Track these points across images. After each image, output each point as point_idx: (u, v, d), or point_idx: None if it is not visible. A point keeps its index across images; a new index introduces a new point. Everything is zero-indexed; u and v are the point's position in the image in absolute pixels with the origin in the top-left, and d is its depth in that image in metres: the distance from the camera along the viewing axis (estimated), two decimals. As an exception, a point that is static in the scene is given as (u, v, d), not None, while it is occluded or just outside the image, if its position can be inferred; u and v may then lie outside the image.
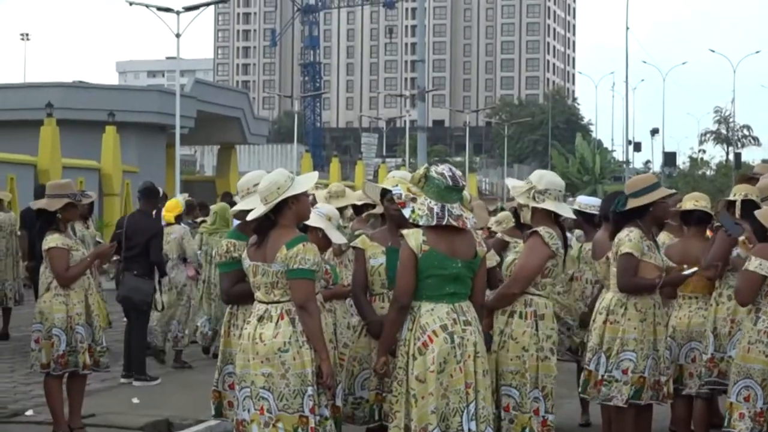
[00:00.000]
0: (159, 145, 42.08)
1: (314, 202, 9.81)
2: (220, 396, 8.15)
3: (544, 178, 7.98)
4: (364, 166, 64.64)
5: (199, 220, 16.73)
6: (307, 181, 7.13)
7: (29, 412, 10.89)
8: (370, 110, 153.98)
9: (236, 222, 8.51)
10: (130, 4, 40.90)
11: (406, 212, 7.12)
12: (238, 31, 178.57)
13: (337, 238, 8.43)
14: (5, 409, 11.09)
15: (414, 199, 7.18)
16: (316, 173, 7.84)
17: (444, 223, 6.89)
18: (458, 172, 7.13)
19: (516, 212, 9.93)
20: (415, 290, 6.90)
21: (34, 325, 9.63)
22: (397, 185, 7.74)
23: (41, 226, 9.70)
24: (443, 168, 7.11)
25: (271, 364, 6.76)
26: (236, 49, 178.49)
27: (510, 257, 8.28)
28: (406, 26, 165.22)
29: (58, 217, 9.56)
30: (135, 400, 11.60)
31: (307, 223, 7.63)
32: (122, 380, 12.88)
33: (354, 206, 11.62)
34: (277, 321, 6.81)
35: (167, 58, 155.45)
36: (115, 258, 13.37)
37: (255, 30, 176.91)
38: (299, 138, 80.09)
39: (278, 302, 6.85)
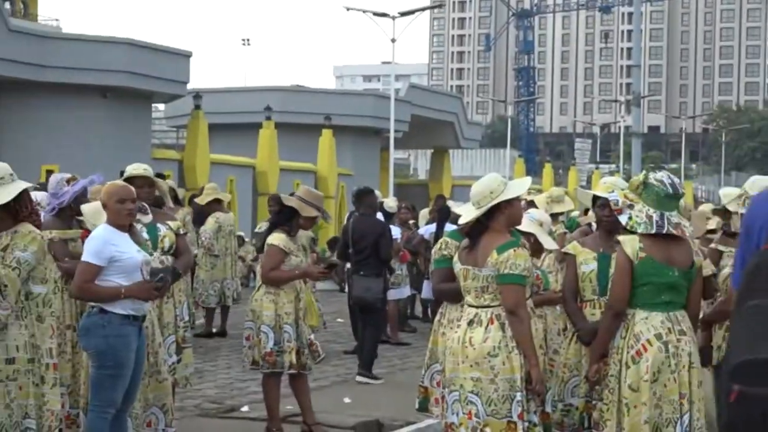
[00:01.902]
0: (374, 149, 42.52)
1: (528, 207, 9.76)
2: (426, 392, 8.23)
3: (757, 183, 7.77)
4: (578, 171, 64.13)
5: None
6: (520, 186, 7.10)
7: (245, 408, 11.15)
8: (584, 115, 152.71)
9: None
10: (348, 9, 41.54)
11: (623, 219, 7.03)
12: (452, 36, 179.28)
13: (549, 243, 8.38)
14: (222, 405, 11.38)
15: (631, 206, 7.08)
16: (529, 179, 7.76)
17: (663, 231, 6.76)
18: (677, 180, 7.00)
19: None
20: (629, 298, 6.81)
21: (246, 323, 9.81)
22: (612, 191, 7.66)
23: (276, 219, 9.79)
24: (662, 175, 6.98)
25: (480, 368, 6.75)
26: (450, 53, 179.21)
27: (726, 270, 8.06)
28: (622, 31, 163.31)
29: (295, 221, 9.59)
30: (346, 400, 11.75)
31: (519, 228, 7.60)
32: (358, 378, 13.17)
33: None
34: (487, 325, 6.79)
35: (382, 62, 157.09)
36: (339, 263, 13.73)
37: (469, 35, 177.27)
38: (512, 143, 79.86)
39: (488, 307, 6.83)
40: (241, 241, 22.94)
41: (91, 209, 8.22)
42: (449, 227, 15.12)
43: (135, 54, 29.14)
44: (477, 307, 6.88)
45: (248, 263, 23.90)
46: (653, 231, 6.77)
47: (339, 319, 16.84)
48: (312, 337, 9.85)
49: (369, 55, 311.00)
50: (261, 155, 35.50)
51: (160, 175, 10.31)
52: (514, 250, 6.80)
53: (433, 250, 8.80)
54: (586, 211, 10.83)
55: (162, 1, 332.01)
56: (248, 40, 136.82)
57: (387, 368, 14.14)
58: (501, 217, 6.92)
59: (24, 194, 6.77)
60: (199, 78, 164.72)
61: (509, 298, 6.79)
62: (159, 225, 9.07)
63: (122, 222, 7.52)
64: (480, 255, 6.87)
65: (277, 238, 9.53)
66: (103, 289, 7.33)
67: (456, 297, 7.27)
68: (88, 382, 7.91)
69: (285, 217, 9.69)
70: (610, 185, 7.82)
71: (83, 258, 7.40)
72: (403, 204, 19.73)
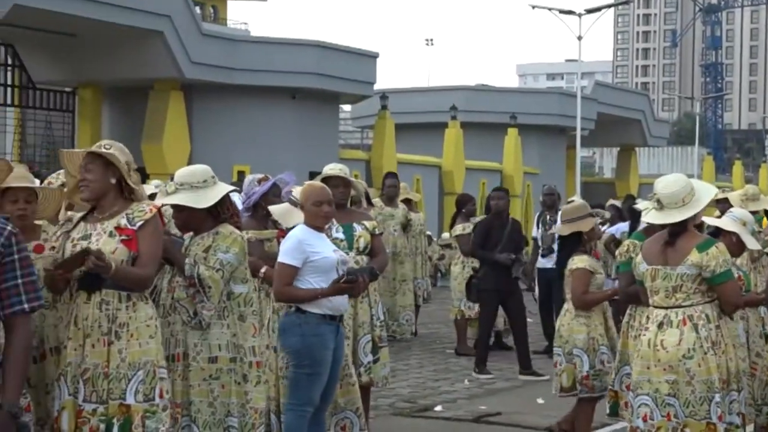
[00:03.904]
0: (559, 147, 42.20)
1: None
2: (616, 396, 8.11)
3: None
4: (769, 169, 62.50)
5: None
6: (710, 191, 7.05)
7: (438, 408, 11.16)
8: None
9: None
10: (533, 7, 41.32)
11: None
12: (637, 32, 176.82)
13: (752, 243, 8.18)
14: (415, 404, 11.42)
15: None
16: (714, 188, 7.53)
17: None
18: None
19: None
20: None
21: (555, 348, 9.41)
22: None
23: (570, 246, 9.37)
24: None
25: (674, 371, 6.66)
26: (635, 50, 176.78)
27: None
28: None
29: (584, 238, 9.28)
30: (540, 401, 11.66)
31: (721, 226, 7.45)
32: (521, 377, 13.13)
33: None
34: (679, 327, 6.69)
35: (566, 60, 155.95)
36: None
37: (654, 31, 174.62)
38: (700, 140, 78.38)
39: (679, 307, 6.74)
40: (428, 240, 23.01)
41: (280, 210, 8.32)
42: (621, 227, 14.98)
43: (323, 56, 29.47)
44: (666, 308, 6.79)
45: (434, 262, 23.97)
46: None
47: (529, 319, 16.69)
48: None
49: (552, 53, 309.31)
50: (447, 155, 35.58)
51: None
52: (716, 247, 6.74)
53: (617, 252, 8.66)
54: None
55: (345, 3, 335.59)
56: (432, 40, 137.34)
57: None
58: (692, 218, 6.88)
59: (225, 196, 6.88)
60: (383, 78, 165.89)
61: (732, 296, 6.76)
62: (355, 225, 9.14)
63: (318, 223, 7.60)
64: (674, 254, 6.78)
65: (580, 261, 9.14)
66: (301, 292, 7.42)
67: (646, 299, 7.16)
68: (278, 384, 8.03)
69: (576, 241, 9.31)
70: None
71: (279, 259, 7.49)
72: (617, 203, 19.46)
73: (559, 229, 9.49)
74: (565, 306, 9.30)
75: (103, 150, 6.10)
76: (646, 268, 6.88)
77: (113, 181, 6.10)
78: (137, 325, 5.95)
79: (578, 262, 9.08)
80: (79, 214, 6.29)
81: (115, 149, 6.13)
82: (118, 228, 5.99)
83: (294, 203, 8.18)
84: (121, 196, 6.14)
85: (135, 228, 6.00)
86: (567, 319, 9.20)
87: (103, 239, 5.97)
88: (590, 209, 9.60)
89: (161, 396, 5.96)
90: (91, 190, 6.13)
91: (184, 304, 6.62)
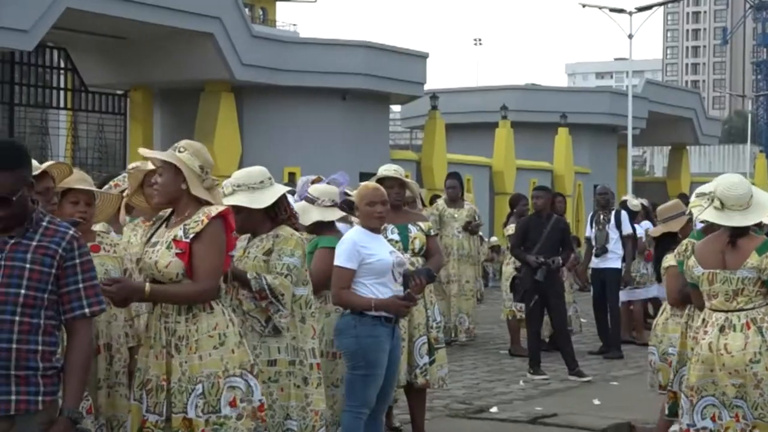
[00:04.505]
0: (610, 146, 41.99)
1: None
2: (675, 396, 8.03)
3: None
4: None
5: None
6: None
7: (494, 409, 11.10)
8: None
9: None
10: (583, 6, 41.14)
11: None
12: (687, 30, 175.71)
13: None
14: (471, 405, 11.36)
15: None
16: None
17: None
18: None
19: None
20: None
21: (650, 347, 9.39)
22: None
23: (665, 245, 9.38)
24: None
25: (741, 375, 6.58)
26: (685, 48, 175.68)
27: None
28: None
29: (678, 237, 9.12)
30: (596, 402, 11.58)
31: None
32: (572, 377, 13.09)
33: None
34: (743, 330, 6.61)
35: (615, 59, 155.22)
36: None
37: (704, 29, 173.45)
38: (752, 138, 77.72)
39: (741, 310, 6.65)
40: (479, 240, 22.95)
41: (298, 208, 8.29)
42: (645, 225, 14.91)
43: (373, 56, 29.48)
44: (727, 311, 6.70)
45: (482, 263, 23.92)
46: None
47: (582, 319, 16.63)
48: None
49: (601, 52, 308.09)
50: (497, 154, 35.50)
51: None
52: (776, 248, 6.65)
53: (675, 252, 8.57)
54: None
55: (392, 4, 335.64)
56: (480, 39, 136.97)
57: (635, 369, 13.87)
58: (749, 220, 6.81)
59: (282, 198, 6.85)
60: (432, 78, 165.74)
61: None
62: (410, 226, 9.10)
63: (373, 224, 7.56)
64: (733, 257, 6.70)
65: (673, 259, 8.93)
66: (355, 298, 7.39)
67: (699, 302, 7.08)
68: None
69: (670, 239, 9.20)
70: None
71: (335, 263, 7.47)
72: (644, 202, 19.35)
73: (653, 231, 9.46)
74: (663, 305, 9.29)
75: (168, 156, 6.01)
76: (702, 271, 6.79)
77: (184, 186, 5.98)
78: (198, 338, 5.81)
79: (671, 260, 9.00)
80: (164, 216, 6.25)
81: (189, 152, 6.01)
82: (175, 240, 5.88)
83: (311, 200, 8.11)
84: (193, 200, 6.01)
85: (188, 240, 5.87)
86: (663, 318, 9.15)
87: (162, 251, 5.91)
88: (683, 207, 9.52)
89: (233, 405, 5.79)
90: (161, 195, 6.08)
91: (255, 315, 6.59)
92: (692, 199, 8.20)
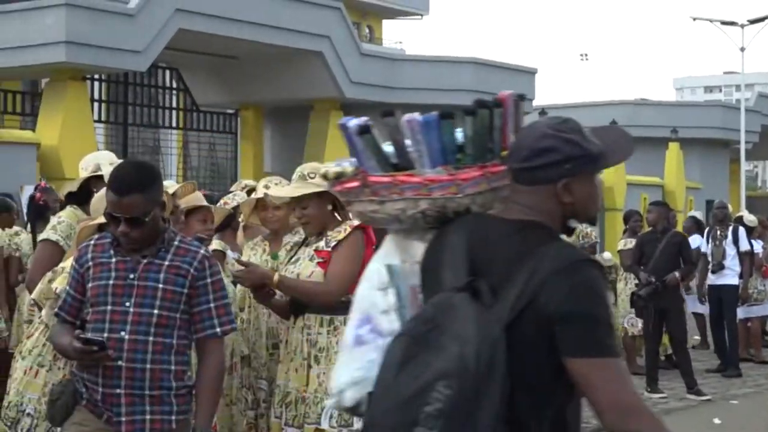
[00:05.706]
0: (722, 161, 41.39)
1: None
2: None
3: None
4: None
5: None
6: None
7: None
8: None
9: None
10: (694, 19, 40.70)
11: None
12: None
13: None
14: (588, 424, 11.17)
15: None
16: None
17: None
18: None
19: None
20: None
21: None
22: None
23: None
24: None
25: None
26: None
27: None
28: None
29: None
30: (716, 421, 11.38)
31: None
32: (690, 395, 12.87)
33: None
34: None
35: (724, 72, 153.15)
36: None
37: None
38: None
39: None
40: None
41: None
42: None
43: (481, 73, 29.38)
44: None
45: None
46: None
47: (695, 336, 16.36)
48: None
49: (709, 66, 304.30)
50: (607, 170, 35.12)
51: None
52: None
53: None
54: None
55: (496, 20, 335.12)
56: (586, 54, 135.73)
57: (753, 388, 13.62)
58: None
59: None
60: (539, 94, 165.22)
61: None
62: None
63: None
64: None
65: None
66: None
67: None
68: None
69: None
70: None
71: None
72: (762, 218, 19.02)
73: None
74: None
75: (314, 187, 5.95)
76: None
77: (330, 207, 6.02)
78: (338, 350, 5.84)
79: None
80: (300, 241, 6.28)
81: (320, 177, 5.77)
82: (317, 251, 5.92)
83: None
84: (333, 216, 6.06)
85: (329, 249, 5.91)
86: None
87: (304, 263, 5.94)
88: None
89: None
90: (314, 225, 6.07)
91: None
92: None
